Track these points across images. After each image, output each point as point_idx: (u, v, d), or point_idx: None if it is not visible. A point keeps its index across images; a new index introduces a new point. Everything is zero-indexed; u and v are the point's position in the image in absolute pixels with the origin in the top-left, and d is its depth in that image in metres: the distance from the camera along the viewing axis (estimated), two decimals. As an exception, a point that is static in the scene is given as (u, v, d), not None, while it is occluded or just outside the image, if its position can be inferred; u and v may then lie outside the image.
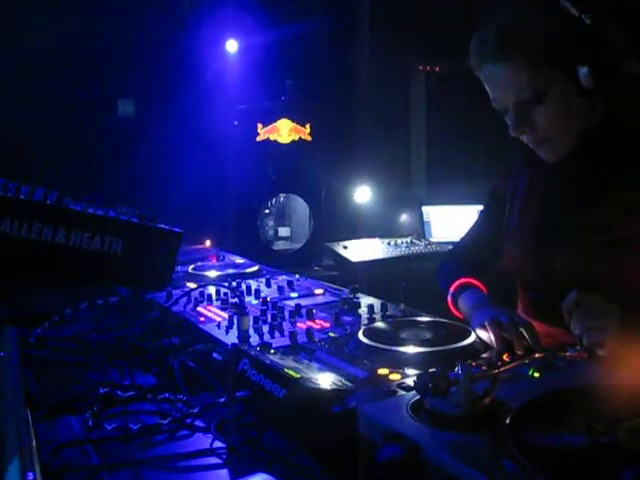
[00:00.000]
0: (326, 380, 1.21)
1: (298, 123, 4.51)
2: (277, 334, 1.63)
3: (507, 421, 0.97)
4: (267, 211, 4.48)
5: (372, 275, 3.44)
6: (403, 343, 1.44)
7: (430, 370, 1.05)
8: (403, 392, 1.16)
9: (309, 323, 1.72)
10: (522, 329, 1.47)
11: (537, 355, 1.24)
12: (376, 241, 3.93)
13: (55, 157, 4.00)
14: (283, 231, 4.65)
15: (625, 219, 1.57)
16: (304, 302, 1.91)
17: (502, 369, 1.13)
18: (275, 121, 4.49)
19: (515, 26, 1.59)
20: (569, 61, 1.53)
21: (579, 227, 1.66)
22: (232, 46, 4.74)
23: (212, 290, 2.06)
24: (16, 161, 3.46)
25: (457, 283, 1.90)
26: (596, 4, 1.54)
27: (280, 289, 2.11)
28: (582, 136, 1.65)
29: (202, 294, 2.01)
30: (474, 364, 1.12)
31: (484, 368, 1.11)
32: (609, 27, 1.51)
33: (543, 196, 1.80)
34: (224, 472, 1.18)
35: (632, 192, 1.58)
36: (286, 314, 1.78)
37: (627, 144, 1.63)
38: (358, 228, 4.26)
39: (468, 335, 1.47)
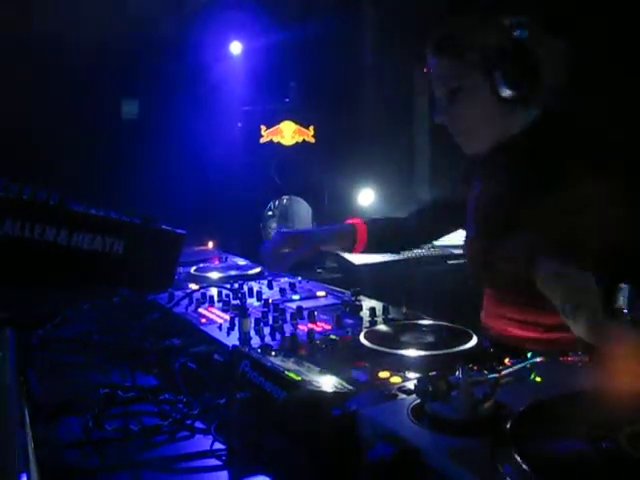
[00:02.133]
0: (327, 383, 1.21)
1: (302, 125, 4.51)
2: (278, 336, 1.63)
3: (508, 426, 0.97)
4: (270, 213, 4.47)
5: (374, 278, 3.43)
6: (404, 346, 1.44)
7: (431, 374, 1.05)
8: (404, 395, 1.16)
9: (310, 325, 1.72)
10: None
11: (538, 359, 1.24)
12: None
13: (58, 158, 4.01)
14: (286, 233, 4.66)
15: (552, 220, 1.67)
16: (306, 304, 1.91)
17: (503, 373, 1.13)
18: (278, 123, 4.49)
19: (451, 29, 1.85)
20: (489, 67, 1.75)
21: (511, 227, 1.79)
22: (236, 48, 4.74)
23: (214, 292, 2.06)
24: (19, 161, 3.47)
25: (349, 219, 2.20)
26: (536, 22, 1.77)
27: (282, 291, 2.11)
28: (510, 141, 1.85)
29: (204, 296, 2.01)
30: (475, 368, 1.12)
31: (485, 372, 1.11)
32: (534, 44, 1.72)
33: (479, 197, 1.99)
34: (224, 474, 1.18)
35: (554, 194, 1.70)
36: (287, 316, 1.78)
37: (552, 153, 1.75)
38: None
39: (470, 339, 1.47)
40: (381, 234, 2.24)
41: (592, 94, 1.93)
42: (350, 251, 2.17)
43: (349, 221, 2.21)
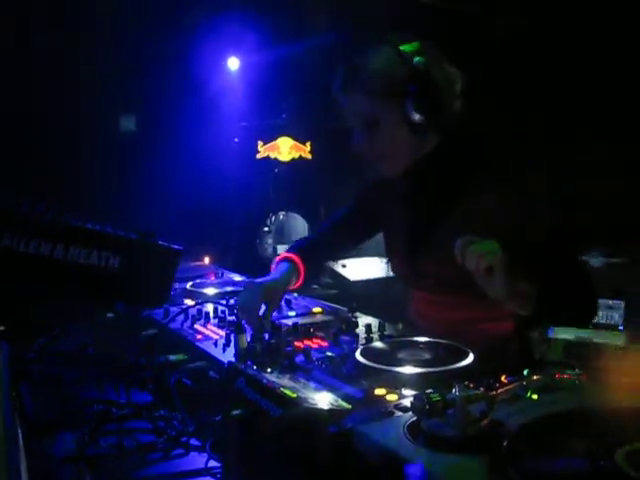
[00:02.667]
0: (323, 400, 1.20)
1: (298, 141, 4.52)
2: (274, 353, 1.62)
3: (504, 443, 0.96)
4: (266, 229, 4.47)
5: (370, 294, 3.44)
6: (400, 363, 1.43)
7: (427, 391, 1.05)
8: (400, 413, 1.15)
9: (307, 342, 1.71)
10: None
11: (535, 377, 1.24)
12: (375, 260, 3.93)
13: (56, 171, 4.01)
14: (282, 249, 4.65)
15: (465, 227, 1.74)
16: (302, 321, 1.90)
17: (499, 391, 1.12)
18: (275, 139, 4.51)
19: (356, 65, 1.92)
20: (400, 98, 1.85)
21: (434, 236, 1.94)
22: (234, 64, 4.77)
23: (210, 308, 2.05)
24: (17, 175, 3.47)
25: (281, 256, 2.18)
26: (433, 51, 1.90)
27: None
28: (421, 160, 1.96)
29: (199, 312, 2.00)
30: (471, 385, 1.12)
31: (481, 389, 1.10)
32: (437, 73, 1.85)
33: (401, 208, 2.09)
34: (219, 492, 1.18)
35: (465, 206, 1.88)
36: (284, 333, 1.77)
37: (456, 169, 1.93)
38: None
39: (466, 356, 1.46)
40: (314, 264, 2.26)
41: (486, 114, 2.10)
42: (290, 289, 2.18)
43: (281, 257, 2.18)
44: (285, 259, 2.15)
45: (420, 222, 2.02)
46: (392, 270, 2.26)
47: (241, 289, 2.36)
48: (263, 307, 1.88)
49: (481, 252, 1.57)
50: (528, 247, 1.72)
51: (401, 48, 1.88)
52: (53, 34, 4.12)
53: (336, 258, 2.51)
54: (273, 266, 2.16)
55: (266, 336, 1.73)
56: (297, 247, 2.24)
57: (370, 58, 1.92)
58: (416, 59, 1.85)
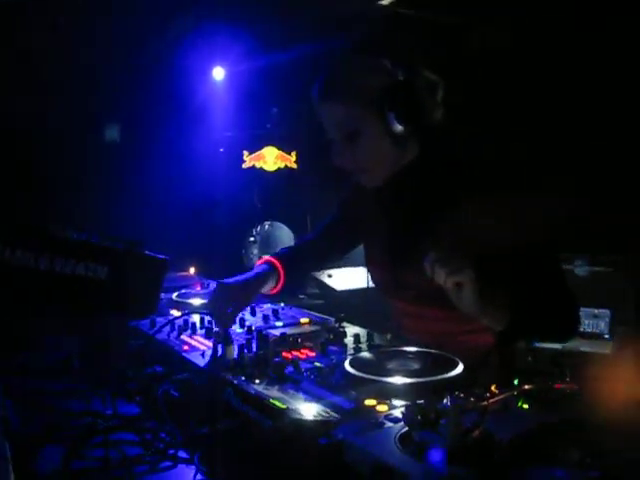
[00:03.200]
0: (312, 411, 1.19)
1: (284, 151, 4.52)
2: (262, 363, 1.61)
3: (496, 454, 0.96)
4: (252, 239, 4.46)
5: (356, 304, 3.43)
6: (390, 374, 1.43)
7: (418, 402, 1.04)
8: (391, 424, 1.14)
9: (295, 353, 1.70)
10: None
11: (526, 387, 1.23)
12: (360, 270, 3.92)
13: (40, 181, 3.98)
14: (268, 259, 4.64)
15: (443, 239, 1.79)
16: (290, 331, 1.89)
17: (491, 401, 1.12)
18: (261, 148, 4.50)
19: (335, 75, 1.90)
20: (381, 108, 1.81)
21: (412, 247, 1.89)
22: (219, 73, 4.76)
23: (196, 318, 2.03)
24: (0, 186, 3.44)
25: (263, 259, 2.20)
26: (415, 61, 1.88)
27: (265, 318, 2.09)
28: (402, 171, 1.93)
29: (186, 322, 1.99)
30: (462, 395, 1.11)
31: (472, 400, 1.10)
32: (418, 82, 1.82)
33: (381, 219, 2.06)
34: (208, 505, 1.16)
35: (446, 214, 1.84)
36: (271, 343, 1.76)
37: (437, 179, 1.89)
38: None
39: (456, 366, 1.46)
40: (296, 271, 2.26)
41: (466, 125, 2.10)
42: (268, 293, 2.17)
43: (262, 261, 2.19)
44: (265, 262, 2.16)
45: (399, 232, 2.00)
46: (372, 280, 2.24)
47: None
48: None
49: (450, 268, 1.56)
50: (502, 261, 1.71)
51: (380, 57, 1.85)
52: (37, 41, 4.10)
53: (321, 268, 2.50)
54: (255, 267, 2.17)
55: (254, 347, 1.72)
56: (280, 253, 2.24)
57: (348, 68, 1.90)
58: (396, 68, 1.83)
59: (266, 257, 2.19)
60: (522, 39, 4.40)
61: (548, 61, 4.28)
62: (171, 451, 1.32)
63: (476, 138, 2.06)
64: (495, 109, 4.32)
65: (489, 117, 4.24)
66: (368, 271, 2.24)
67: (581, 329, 3.57)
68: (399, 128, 1.82)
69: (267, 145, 4.49)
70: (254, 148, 4.49)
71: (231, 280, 1.99)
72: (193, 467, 1.25)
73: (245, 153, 4.47)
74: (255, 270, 2.11)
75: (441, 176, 1.89)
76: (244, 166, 4.47)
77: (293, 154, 4.54)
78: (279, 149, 4.49)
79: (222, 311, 1.85)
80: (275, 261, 2.15)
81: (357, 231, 2.24)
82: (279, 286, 2.15)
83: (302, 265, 2.33)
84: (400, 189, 1.96)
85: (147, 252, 2.03)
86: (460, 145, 2.01)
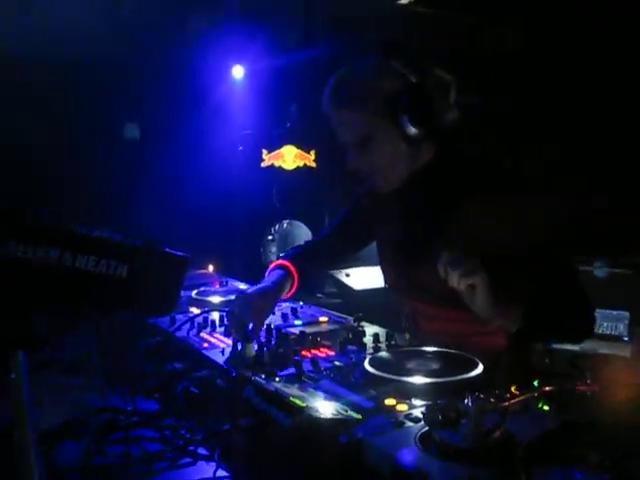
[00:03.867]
0: (332, 410, 1.20)
1: (303, 149, 4.52)
2: (281, 362, 1.61)
3: (518, 455, 0.96)
4: (270, 237, 4.47)
5: (374, 303, 3.42)
6: (410, 373, 1.43)
7: (439, 402, 1.04)
8: (411, 423, 1.14)
9: (314, 351, 1.70)
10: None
11: (547, 388, 1.23)
12: (379, 269, 3.91)
13: (61, 180, 4.01)
14: (286, 257, 4.64)
15: (457, 240, 1.79)
16: (308, 330, 1.90)
17: (512, 402, 1.12)
18: (280, 147, 4.50)
19: (346, 81, 1.89)
20: (393, 112, 1.80)
21: (427, 247, 1.88)
22: (238, 72, 4.77)
23: (216, 316, 2.04)
24: (22, 184, 3.47)
25: (274, 263, 2.19)
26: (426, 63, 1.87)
27: (284, 316, 2.10)
28: (417, 172, 1.92)
29: (205, 320, 2.00)
30: (482, 396, 1.11)
31: (493, 400, 1.10)
32: (429, 83, 1.80)
33: (396, 220, 2.06)
34: (227, 502, 1.17)
35: (461, 215, 1.83)
36: (290, 342, 1.76)
37: (452, 181, 1.88)
38: (361, 256, 4.25)
39: (476, 366, 1.45)
40: (308, 271, 2.25)
41: (481, 125, 2.08)
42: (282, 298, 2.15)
43: (275, 265, 2.18)
44: (279, 266, 2.14)
45: (413, 233, 1.99)
46: (385, 281, 2.23)
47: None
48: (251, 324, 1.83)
49: (463, 270, 1.57)
50: (516, 262, 1.71)
51: (392, 60, 1.83)
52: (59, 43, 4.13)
53: (334, 266, 2.50)
54: (267, 273, 2.16)
55: (272, 343, 1.73)
56: (291, 255, 2.24)
57: (358, 72, 1.89)
58: (406, 70, 1.81)
59: (279, 261, 2.18)
60: (535, 39, 4.38)
61: (562, 61, 4.26)
62: (191, 448, 1.33)
63: (491, 138, 2.05)
64: (509, 109, 4.30)
65: (503, 117, 4.22)
66: (382, 270, 2.24)
67: (600, 331, 3.55)
68: (413, 131, 1.81)
69: (286, 144, 4.50)
70: (273, 147, 4.49)
71: (250, 290, 1.98)
72: (213, 464, 1.25)
73: (264, 152, 4.48)
74: (270, 278, 2.08)
75: (455, 177, 1.89)
76: (263, 165, 4.48)
77: (312, 153, 4.54)
78: (298, 148, 4.49)
79: (243, 325, 1.82)
80: (289, 265, 2.14)
81: (370, 229, 2.23)
82: (293, 290, 2.15)
83: (315, 265, 2.33)
84: (415, 190, 1.95)
85: (168, 250, 2.04)
86: (475, 146, 2.01)
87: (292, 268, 2.14)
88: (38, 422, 1.40)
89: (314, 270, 2.38)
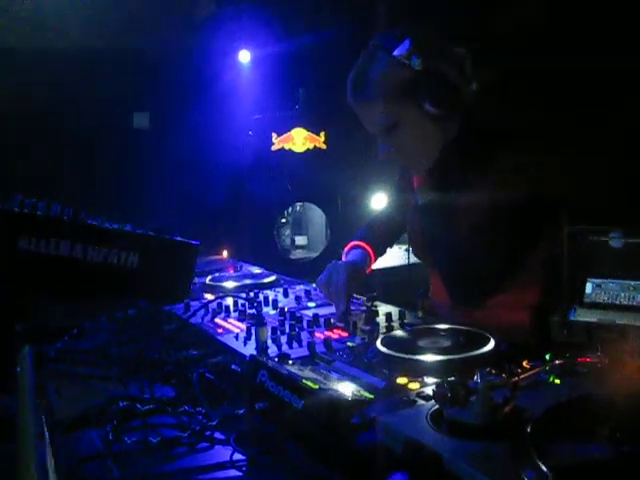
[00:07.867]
0: (345, 390, 1.20)
1: (312, 132, 4.51)
2: (295, 344, 1.63)
3: (528, 430, 0.96)
4: (283, 220, 4.48)
5: (389, 282, 3.42)
6: (422, 351, 1.43)
7: (449, 379, 1.05)
8: (422, 401, 1.15)
9: (327, 333, 1.72)
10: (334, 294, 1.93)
11: (557, 361, 1.23)
12: (393, 248, 3.91)
13: (71, 170, 4.03)
14: (300, 239, 4.65)
15: (486, 203, 1.85)
16: (322, 312, 1.91)
17: (522, 376, 1.12)
18: (289, 130, 4.50)
19: (361, 76, 1.91)
20: (415, 96, 1.83)
21: (451, 211, 1.95)
22: (245, 57, 4.76)
23: (230, 301, 2.06)
24: (33, 176, 3.49)
25: (350, 245, 2.29)
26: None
27: (298, 299, 2.11)
28: (445, 150, 1.95)
29: (220, 305, 2.01)
30: (493, 371, 1.11)
31: (503, 375, 1.10)
32: (440, 62, 1.82)
33: (422, 186, 2.10)
34: (244, 484, 1.18)
35: (490, 178, 1.87)
36: (304, 324, 1.78)
37: (481, 146, 1.92)
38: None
39: (487, 342, 1.46)
40: (381, 250, 2.38)
41: (500, 96, 2.09)
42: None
43: (352, 246, 2.28)
44: (357, 247, 2.26)
45: (446, 195, 2.01)
46: (413, 251, 2.26)
47: (261, 282, 2.38)
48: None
49: None
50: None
51: (395, 51, 1.84)
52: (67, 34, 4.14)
53: (393, 244, 2.57)
54: (344, 255, 2.28)
55: (287, 328, 1.74)
56: (363, 236, 2.32)
57: (368, 68, 1.90)
58: (414, 58, 1.82)
59: (354, 242, 2.28)
60: (556, 11, 4.33)
61: (582, 33, 4.20)
62: (207, 432, 1.34)
63: (515, 107, 2.04)
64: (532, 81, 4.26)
65: (526, 87, 4.18)
66: (409, 239, 2.26)
67: (617, 301, 3.53)
68: (435, 110, 1.84)
69: (295, 126, 4.49)
70: (283, 130, 4.48)
71: (345, 261, 2.12)
72: (229, 447, 1.27)
73: (274, 135, 4.47)
74: (356, 253, 2.22)
75: (481, 149, 1.91)
76: (273, 148, 4.48)
77: (322, 134, 4.53)
78: (307, 130, 4.48)
79: (342, 290, 1.92)
80: (367, 247, 2.25)
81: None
82: (370, 268, 2.26)
83: (385, 243, 2.43)
84: (445, 168, 1.97)
85: (177, 238, 2.05)
86: (497, 116, 2.01)
87: (369, 250, 2.25)
88: (52, 411, 1.43)
89: (385, 249, 2.46)
